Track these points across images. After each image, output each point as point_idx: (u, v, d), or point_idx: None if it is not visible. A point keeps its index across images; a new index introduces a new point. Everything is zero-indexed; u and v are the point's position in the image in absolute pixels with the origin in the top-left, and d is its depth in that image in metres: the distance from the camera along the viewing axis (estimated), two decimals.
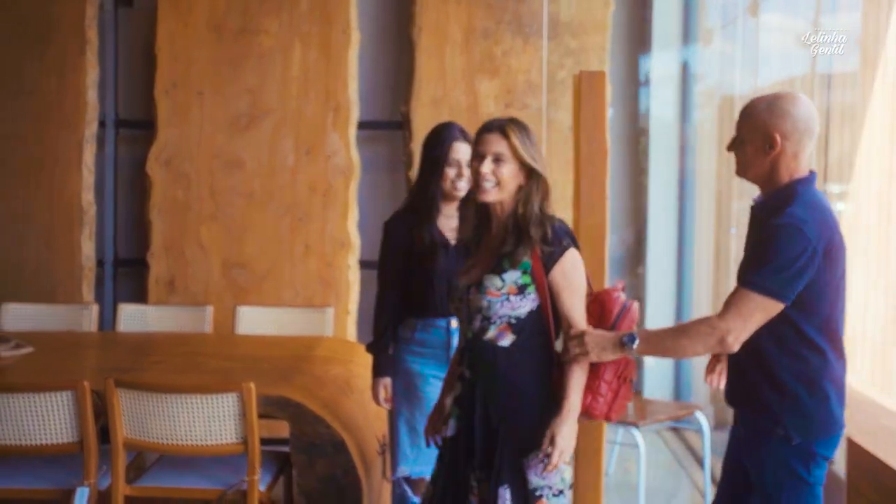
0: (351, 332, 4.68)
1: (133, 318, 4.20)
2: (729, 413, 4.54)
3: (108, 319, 4.80)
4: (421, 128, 4.70)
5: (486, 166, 2.26)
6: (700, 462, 4.24)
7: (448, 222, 2.94)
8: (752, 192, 2.34)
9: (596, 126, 2.70)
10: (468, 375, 2.33)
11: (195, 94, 4.75)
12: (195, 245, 4.76)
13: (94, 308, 4.22)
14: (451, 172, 2.90)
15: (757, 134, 2.17)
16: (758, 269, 2.08)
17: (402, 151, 4.82)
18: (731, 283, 4.12)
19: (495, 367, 2.27)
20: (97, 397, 2.84)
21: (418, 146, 4.76)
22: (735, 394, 2.33)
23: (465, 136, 2.94)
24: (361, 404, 3.31)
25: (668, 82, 5.08)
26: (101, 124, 4.89)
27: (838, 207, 3.85)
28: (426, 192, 2.95)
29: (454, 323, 2.89)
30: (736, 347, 2.09)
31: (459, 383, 2.36)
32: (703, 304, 4.82)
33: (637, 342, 2.16)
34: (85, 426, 2.76)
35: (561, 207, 4.68)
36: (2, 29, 4.76)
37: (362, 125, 4.82)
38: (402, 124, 4.81)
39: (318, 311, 4.19)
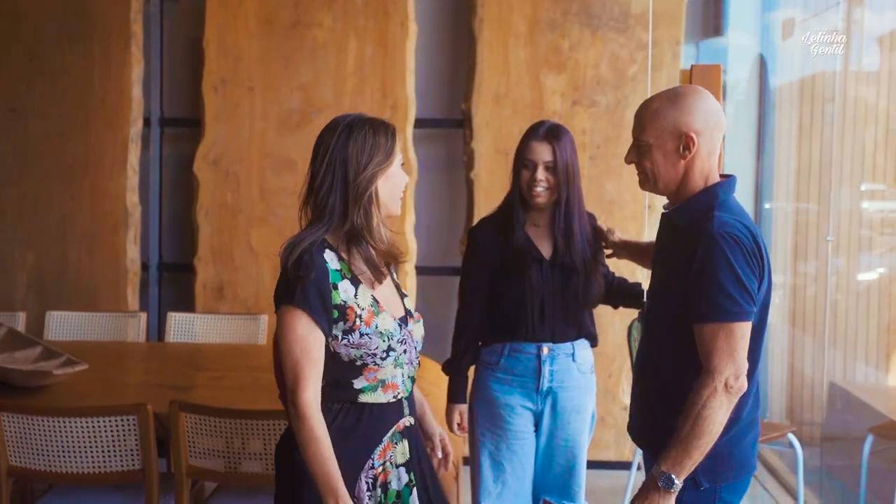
0: None
1: (182, 327, 3.99)
2: (811, 432, 4.27)
3: (153, 327, 4.59)
4: (482, 125, 4.46)
5: None
6: (784, 484, 3.96)
7: (538, 233, 2.68)
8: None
9: None
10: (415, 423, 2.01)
11: (245, 90, 4.52)
12: (245, 249, 4.53)
13: (143, 317, 4.01)
14: (525, 175, 2.62)
15: (666, 136, 1.93)
16: (719, 294, 1.82)
17: (462, 151, 4.57)
18: (825, 297, 3.82)
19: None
20: (158, 422, 2.62)
21: (479, 145, 4.54)
22: (642, 431, 2.08)
23: (550, 135, 2.63)
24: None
25: (743, 75, 4.79)
26: (146, 122, 4.67)
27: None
28: (509, 196, 2.71)
29: (546, 349, 2.63)
30: (745, 383, 1.85)
31: (404, 443, 1.95)
32: (779, 325, 4.52)
33: (675, 478, 1.83)
34: (147, 453, 2.53)
35: (631, 213, 4.44)
36: (46, 24, 4.55)
37: (420, 123, 4.57)
38: (462, 122, 4.56)
39: None
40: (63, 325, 4.01)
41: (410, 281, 4.49)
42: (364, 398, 1.88)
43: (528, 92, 4.46)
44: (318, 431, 1.79)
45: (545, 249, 2.65)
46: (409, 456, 1.93)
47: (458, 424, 2.73)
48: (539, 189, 2.58)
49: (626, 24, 4.43)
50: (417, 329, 1.98)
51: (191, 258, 4.57)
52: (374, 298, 1.89)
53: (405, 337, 1.91)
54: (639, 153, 1.98)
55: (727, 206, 1.92)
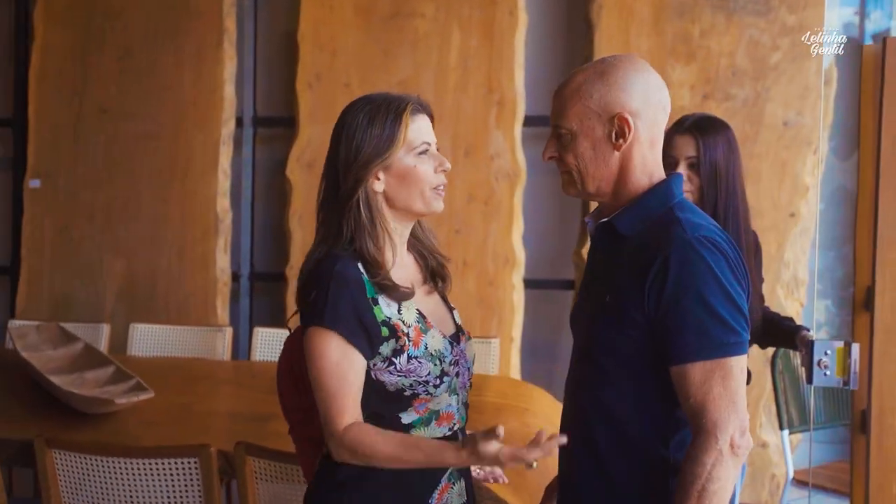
0: (514, 364, 4.01)
1: (269, 343, 3.69)
2: None
3: (243, 341, 4.31)
4: None
5: None
6: None
7: None
8: None
9: None
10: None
11: (341, 86, 4.18)
12: None
13: (228, 332, 3.73)
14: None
15: (594, 119, 1.47)
16: (709, 319, 1.37)
17: None
18: None
19: None
20: (225, 461, 2.28)
21: None
22: None
23: (696, 128, 2.26)
24: (546, 475, 2.61)
25: None
26: (238, 122, 4.41)
27: None
28: None
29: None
30: (750, 439, 1.40)
31: (461, 482, 1.63)
32: None
33: None
34: (210, 500, 2.20)
35: (771, 222, 3.87)
36: (138, 20, 4.35)
37: (529, 121, 4.13)
38: None
39: (482, 342, 3.53)
40: (147, 338, 3.77)
41: (518, 295, 4.06)
42: (416, 433, 1.56)
43: None
44: (375, 438, 1.47)
45: None
46: (465, 498, 1.64)
47: None
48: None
49: (766, 7, 3.87)
50: (469, 349, 1.66)
51: (283, 267, 4.27)
52: (420, 313, 1.57)
53: (458, 357, 1.60)
54: (559, 145, 1.52)
55: (688, 206, 1.50)
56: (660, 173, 1.52)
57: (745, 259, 2.22)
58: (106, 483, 2.22)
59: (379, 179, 1.54)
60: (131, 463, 2.19)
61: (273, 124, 4.47)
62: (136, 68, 4.35)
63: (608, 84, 1.46)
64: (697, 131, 2.23)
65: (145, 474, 2.20)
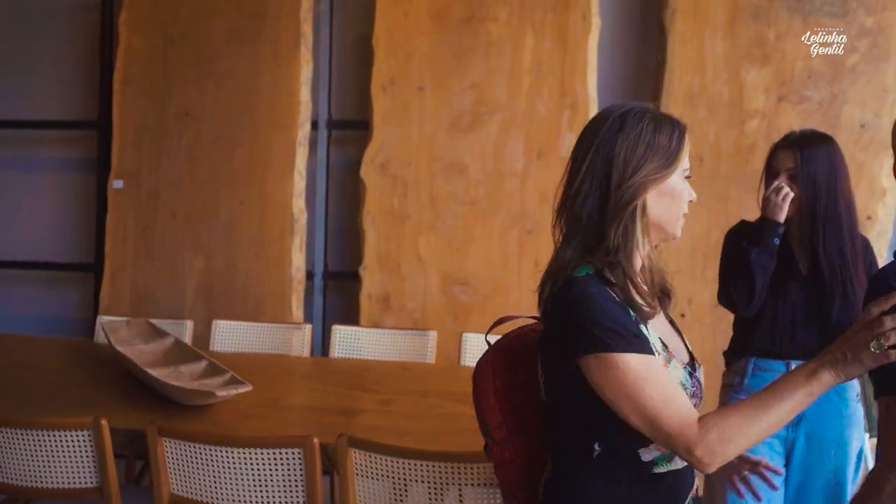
0: None
1: (346, 341, 3.78)
2: None
3: (317, 338, 4.42)
4: None
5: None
6: None
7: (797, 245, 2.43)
8: None
9: None
10: None
11: (414, 89, 4.27)
12: (412, 258, 4.28)
13: (308, 329, 3.82)
14: (770, 184, 2.43)
15: None
16: None
17: None
18: None
19: None
20: (324, 454, 2.37)
21: None
22: None
23: (798, 142, 2.41)
24: None
25: None
26: (314, 125, 4.52)
27: None
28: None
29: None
30: None
31: None
32: None
33: None
34: (312, 491, 2.28)
35: (877, 232, 3.85)
36: (218, 25, 4.48)
37: None
38: None
39: None
40: (228, 334, 3.88)
41: None
42: (659, 469, 1.47)
43: (726, 89, 3.97)
44: (731, 420, 1.33)
45: (802, 263, 2.39)
46: None
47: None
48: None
49: (844, 9, 3.86)
50: (702, 377, 1.54)
51: (356, 266, 4.37)
52: (662, 341, 1.47)
53: (695, 389, 1.48)
54: None
55: None
56: None
57: (854, 263, 2.30)
58: (212, 471, 2.31)
59: (651, 194, 1.46)
60: (236, 452, 2.28)
61: (347, 127, 4.57)
62: (216, 73, 4.48)
63: None
64: (798, 145, 2.37)
65: (250, 464, 2.29)
